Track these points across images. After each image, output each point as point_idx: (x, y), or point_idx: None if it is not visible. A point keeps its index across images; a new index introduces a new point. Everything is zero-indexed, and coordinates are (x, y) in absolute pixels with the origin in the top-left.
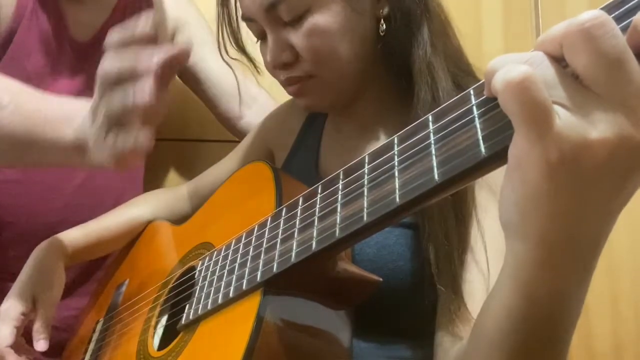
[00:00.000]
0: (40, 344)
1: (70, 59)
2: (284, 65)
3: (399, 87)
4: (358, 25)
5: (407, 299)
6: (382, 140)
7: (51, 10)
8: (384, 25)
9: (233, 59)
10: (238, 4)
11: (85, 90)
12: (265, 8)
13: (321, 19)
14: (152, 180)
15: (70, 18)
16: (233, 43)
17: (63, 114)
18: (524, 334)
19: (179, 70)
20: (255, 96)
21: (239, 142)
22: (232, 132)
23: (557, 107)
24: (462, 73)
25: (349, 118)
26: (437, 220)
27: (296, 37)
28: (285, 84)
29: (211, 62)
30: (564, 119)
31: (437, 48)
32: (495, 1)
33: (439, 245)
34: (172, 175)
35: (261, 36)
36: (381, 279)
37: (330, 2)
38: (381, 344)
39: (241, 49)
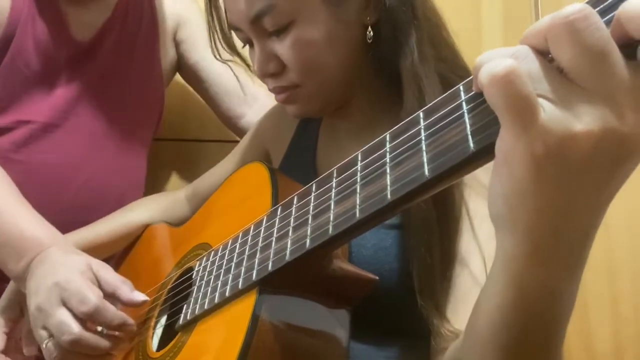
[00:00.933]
0: (26, 350)
1: (70, 62)
2: (271, 75)
3: (390, 91)
4: (344, 35)
5: (404, 300)
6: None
7: (50, 13)
8: (371, 33)
9: (226, 61)
10: None
11: (81, 97)
12: (250, 20)
13: (306, 31)
14: (152, 180)
15: (71, 18)
16: (226, 47)
17: (17, 248)
18: (516, 330)
19: (180, 69)
20: (257, 95)
21: (239, 141)
22: (234, 131)
23: (541, 101)
24: (457, 78)
25: (343, 119)
26: (420, 234)
27: (282, 48)
28: (273, 92)
29: (212, 61)
30: (548, 112)
31: (425, 56)
32: (495, 1)
33: (421, 260)
34: (172, 176)
35: (249, 43)
36: (377, 277)
37: (314, 13)
38: (379, 344)
39: (234, 51)
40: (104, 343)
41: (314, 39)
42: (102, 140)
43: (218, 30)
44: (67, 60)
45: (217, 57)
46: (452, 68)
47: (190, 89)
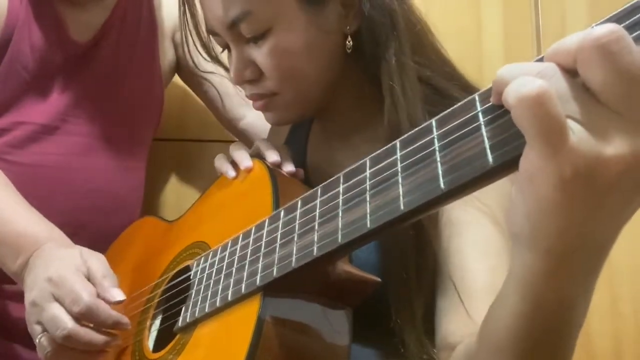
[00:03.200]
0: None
1: (68, 63)
2: (248, 81)
3: (376, 94)
4: (323, 43)
5: None
6: (367, 144)
7: (48, 15)
8: (351, 43)
9: (209, 72)
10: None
11: (80, 98)
12: (227, 26)
13: (284, 38)
14: (153, 181)
15: (69, 20)
16: (205, 54)
17: (14, 246)
18: (532, 341)
19: (179, 71)
20: None
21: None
22: (233, 133)
23: (570, 122)
24: (446, 82)
25: (331, 121)
26: (394, 252)
27: (259, 55)
28: (250, 99)
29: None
30: (578, 134)
31: (404, 67)
32: (495, 1)
33: (397, 278)
34: (172, 176)
35: (227, 48)
36: (379, 279)
37: (292, 21)
38: (375, 344)
39: (214, 59)
40: (97, 338)
41: (291, 47)
42: (101, 141)
43: (195, 37)
44: (66, 61)
45: (193, 67)
46: (439, 73)
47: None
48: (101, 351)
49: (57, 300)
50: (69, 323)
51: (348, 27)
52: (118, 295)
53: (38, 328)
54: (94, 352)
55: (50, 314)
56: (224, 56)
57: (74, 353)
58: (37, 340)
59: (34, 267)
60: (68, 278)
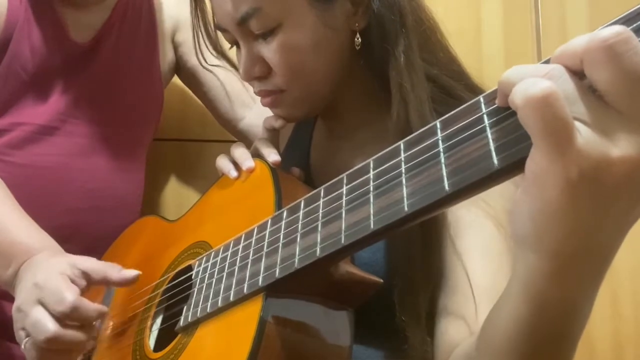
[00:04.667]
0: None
1: (68, 64)
2: (257, 78)
3: (383, 92)
4: (331, 40)
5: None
6: (372, 143)
7: (48, 16)
8: (360, 40)
9: (214, 65)
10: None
11: (79, 99)
12: (237, 22)
13: (292, 35)
14: (153, 181)
15: (69, 21)
16: (212, 50)
17: (6, 255)
18: (533, 344)
19: (178, 71)
20: (255, 97)
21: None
22: (233, 133)
23: (577, 124)
24: (454, 81)
25: (336, 120)
26: (401, 249)
27: (268, 52)
28: (259, 95)
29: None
30: (584, 135)
31: (413, 65)
32: (495, 1)
33: (403, 274)
34: (172, 176)
35: (236, 44)
36: (382, 280)
37: (302, 18)
38: (377, 344)
39: (221, 54)
40: (80, 337)
41: (300, 44)
42: (101, 142)
43: (204, 33)
44: (65, 62)
45: (202, 62)
46: (446, 71)
47: None
48: (84, 344)
49: (41, 303)
50: (51, 327)
51: (357, 24)
52: (132, 272)
53: (22, 334)
54: (77, 350)
55: (32, 319)
56: (231, 53)
57: (57, 354)
58: (22, 346)
59: (24, 276)
60: (51, 280)
